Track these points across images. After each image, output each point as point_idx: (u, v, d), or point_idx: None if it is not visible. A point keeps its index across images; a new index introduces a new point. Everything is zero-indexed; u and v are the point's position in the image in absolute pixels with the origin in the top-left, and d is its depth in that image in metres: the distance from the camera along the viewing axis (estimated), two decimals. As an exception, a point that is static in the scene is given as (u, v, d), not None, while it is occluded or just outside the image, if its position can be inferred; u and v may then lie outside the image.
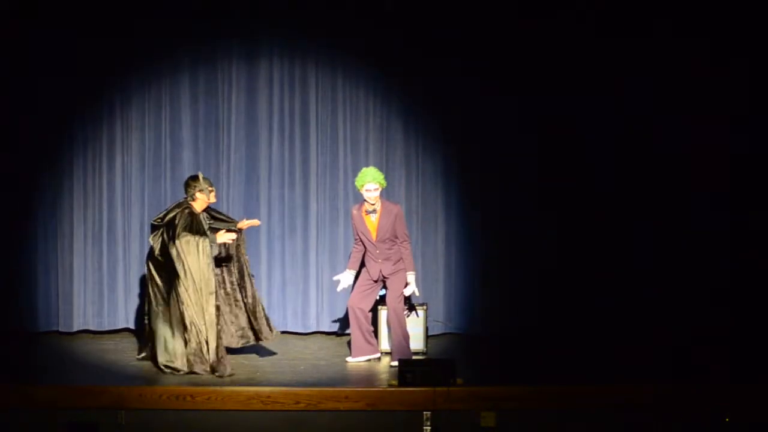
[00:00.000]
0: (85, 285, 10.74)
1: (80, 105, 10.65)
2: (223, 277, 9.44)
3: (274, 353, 9.83)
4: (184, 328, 8.91)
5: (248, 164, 10.81)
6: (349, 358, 9.53)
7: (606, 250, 10.57)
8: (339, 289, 9.64)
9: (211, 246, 9.02)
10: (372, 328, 9.56)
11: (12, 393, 8.32)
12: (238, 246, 9.49)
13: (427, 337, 10.02)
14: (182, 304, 8.89)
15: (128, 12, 10.52)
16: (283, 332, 10.79)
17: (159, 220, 9.16)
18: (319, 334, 10.80)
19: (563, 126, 10.57)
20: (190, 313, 8.89)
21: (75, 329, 10.70)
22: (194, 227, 9.07)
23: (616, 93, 10.52)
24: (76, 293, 10.72)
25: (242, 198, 10.81)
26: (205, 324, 8.89)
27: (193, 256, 8.92)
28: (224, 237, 9.15)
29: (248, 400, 8.25)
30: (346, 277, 9.53)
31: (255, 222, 9.66)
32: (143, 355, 9.44)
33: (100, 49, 10.55)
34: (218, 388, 8.33)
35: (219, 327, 8.95)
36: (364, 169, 9.49)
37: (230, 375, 8.81)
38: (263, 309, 9.50)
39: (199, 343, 8.89)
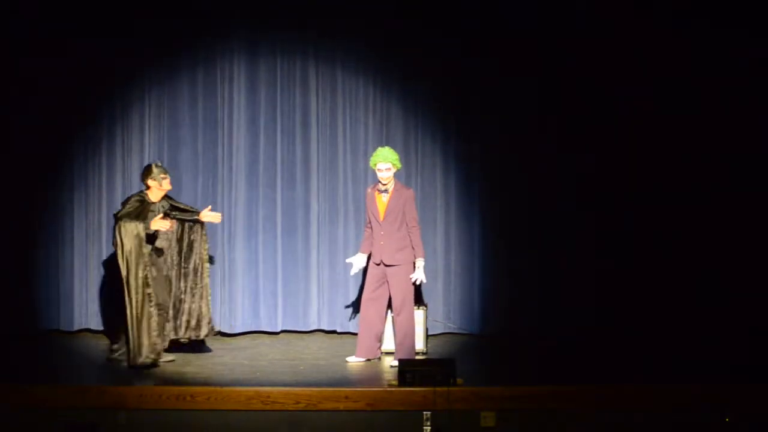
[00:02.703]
0: (86, 284, 10.74)
1: (80, 105, 10.65)
2: (180, 266, 9.56)
3: (273, 353, 9.87)
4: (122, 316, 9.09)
5: (248, 164, 10.81)
6: (349, 358, 9.53)
7: (606, 249, 10.57)
8: (353, 272, 9.63)
9: (147, 231, 9.07)
10: (383, 330, 9.55)
11: (12, 393, 8.32)
12: (197, 236, 9.56)
13: (427, 337, 10.03)
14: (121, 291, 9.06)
15: (128, 12, 10.53)
16: (284, 331, 10.84)
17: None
18: (319, 333, 10.81)
19: (563, 125, 10.58)
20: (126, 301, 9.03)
21: (75, 328, 10.71)
22: (138, 213, 9.14)
23: (614, 88, 10.56)
24: (76, 292, 10.73)
25: (243, 198, 10.81)
26: (135, 310, 8.99)
27: (128, 239, 9.01)
28: (158, 224, 9.15)
29: (248, 400, 8.25)
30: (358, 260, 9.52)
31: (216, 216, 9.64)
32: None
33: (100, 49, 10.55)
34: (218, 388, 8.33)
35: (149, 313, 9.02)
36: (379, 148, 9.51)
37: (152, 363, 8.98)
38: (204, 307, 9.54)
39: (128, 334, 9.01)
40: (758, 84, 10.41)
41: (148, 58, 10.68)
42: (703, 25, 10.43)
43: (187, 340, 9.57)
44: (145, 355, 9.02)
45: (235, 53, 10.76)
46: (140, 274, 9.03)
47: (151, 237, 9.24)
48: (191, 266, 9.57)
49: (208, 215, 9.58)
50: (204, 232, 9.61)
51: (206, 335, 9.61)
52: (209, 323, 9.57)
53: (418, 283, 9.33)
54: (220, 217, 9.77)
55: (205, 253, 9.60)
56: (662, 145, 10.55)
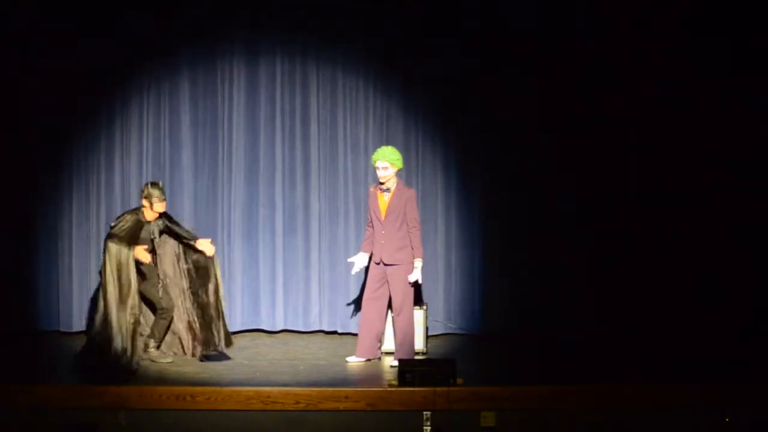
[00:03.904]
0: (85, 285, 10.73)
1: (80, 105, 10.65)
2: (189, 288, 9.58)
3: (273, 353, 9.88)
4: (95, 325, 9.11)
5: (248, 164, 10.81)
6: (349, 358, 9.53)
7: (606, 249, 10.57)
8: (354, 271, 9.64)
9: (134, 258, 9.14)
10: (383, 330, 9.55)
11: (12, 393, 8.32)
12: (205, 260, 9.52)
13: (427, 337, 10.03)
14: (102, 304, 9.07)
15: (128, 11, 10.53)
16: (284, 331, 10.84)
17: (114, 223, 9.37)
18: (320, 333, 10.81)
19: (563, 125, 10.58)
20: (107, 313, 9.04)
21: (75, 329, 10.70)
22: (131, 233, 9.19)
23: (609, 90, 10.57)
24: (76, 293, 10.72)
25: (243, 198, 10.81)
26: (114, 327, 8.99)
27: (113, 260, 9.04)
28: (140, 254, 9.17)
29: (248, 400, 8.25)
30: (360, 259, 9.52)
31: (211, 249, 9.48)
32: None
33: (100, 49, 10.55)
34: (218, 388, 8.34)
35: (130, 333, 9.03)
36: (381, 146, 9.52)
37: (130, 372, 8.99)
38: (218, 319, 9.49)
39: (103, 342, 9.03)
40: (758, 84, 10.41)
41: (148, 58, 10.68)
42: (703, 25, 10.44)
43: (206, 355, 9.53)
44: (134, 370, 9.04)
45: (235, 53, 10.76)
46: (122, 290, 9.03)
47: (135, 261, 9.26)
48: (206, 290, 9.50)
49: (203, 245, 9.48)
50: (213, 265, 9.55)
51: (226, 345, 9.54)
52: (227, 335, 9.55)
53: (411, 281, 9.32)
54: (214, 251, 9.59)
55: (218, 273, 9.53)
56: (662, 145, 10.55)
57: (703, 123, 10.49)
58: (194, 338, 9.53)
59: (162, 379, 8.78)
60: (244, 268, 10.81)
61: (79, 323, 10.71)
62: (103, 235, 10.62)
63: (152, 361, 9.39)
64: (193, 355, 9.52)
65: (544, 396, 8.32)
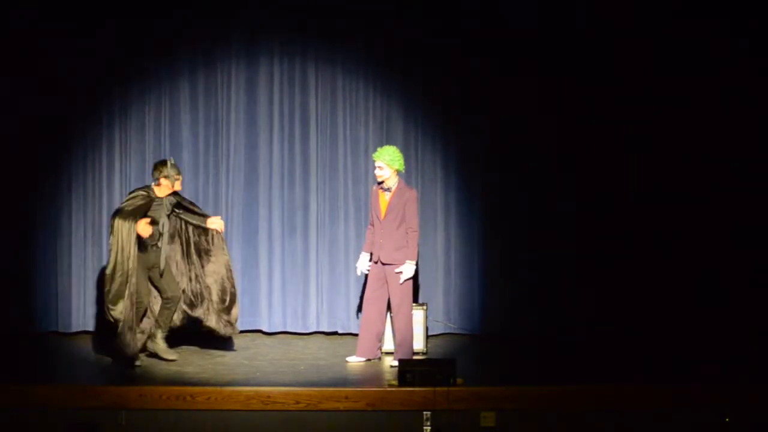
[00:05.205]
0: (84, 286, 10.73)
1: (80, 105, 10.65)
2: (188, 266, 9.63)
3: (273, 353, 9.88)
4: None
5: (248, 164, 10.81)
6: (349, 358, 9.53)
7: (606, 249, 10.57)
8: (358, 274, 9.63)
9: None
10: (383, 330, 9.55)
11: (12, 393, 8.32)
12: (212, 245, 9.60)
13: (427, 337, 10.03)
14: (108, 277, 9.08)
15: (128, 12, 10.53)
16: (283, 332, 10.84)
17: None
18: (319, 334, 10.81)
19: (563, 125, 10.59)
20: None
21: (74, 330, 10.69)
22: (141, 210, 9.13)
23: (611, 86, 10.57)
24: (74, 294, 10.71)
25: (242, 198, 10.81)
26: (119, 300, 9.01)
27: (121, 235, 8.97)
28: (141, 228, 9.09)
29: (248, 400, 8.25)
30: (362, 261, 9.51)
31: (221, 225, 9.55)
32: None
33: (100, 49, 10.55)
34: (218, 388, 8.34)
35: (129, 309, 9.02)
36: (383, 146, 9.53)
37: (134, 362, 9.07)
38: (229, 302, 9.61)
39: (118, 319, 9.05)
40: (758, 84, 10.41)
41: (148, 58, 10.68)
42: (702, 25, 10.44)
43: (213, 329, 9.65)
44: (133, 350, 9.08)
45: (234, 54, 10.76)
46: (127, 273, 8.99)
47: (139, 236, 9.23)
48: (210, 271, 9.61)
49: (214, 223, 9.53)
50: (222, 241, 9.62)
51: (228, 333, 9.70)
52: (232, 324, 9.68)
53: (401, 281, 9.30)
54: (223, 227, 9.65)
55: (227, 256, 9.65)
56: (662, 145, 10.55)
57: (703, 123, 10.50)
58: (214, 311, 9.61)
59: (162, 379, 8.78)
60: (243, 268, 10.80)
61: (77, 324, 10.71)
62: (103, 237, 10.68)
63: (157, 354, 9.36)
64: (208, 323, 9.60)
65: (544, 396, 8.32)
